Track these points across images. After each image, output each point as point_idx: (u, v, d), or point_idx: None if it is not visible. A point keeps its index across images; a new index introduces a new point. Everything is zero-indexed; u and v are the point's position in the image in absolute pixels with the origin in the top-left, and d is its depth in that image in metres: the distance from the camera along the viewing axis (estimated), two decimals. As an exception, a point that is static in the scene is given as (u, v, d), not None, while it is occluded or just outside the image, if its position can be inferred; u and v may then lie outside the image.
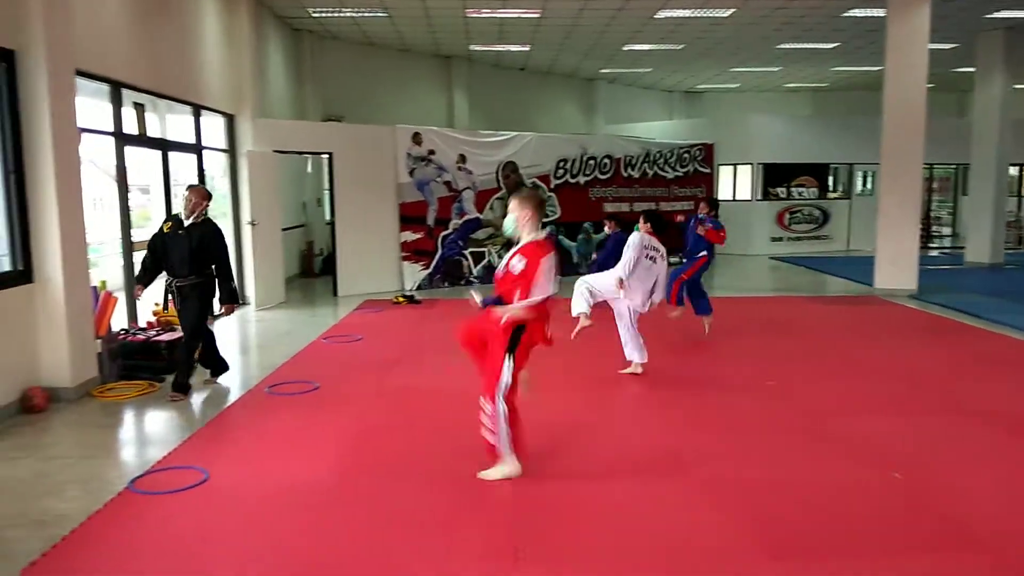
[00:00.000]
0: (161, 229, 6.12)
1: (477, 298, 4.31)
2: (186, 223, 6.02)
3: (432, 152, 12.02)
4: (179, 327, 6.48)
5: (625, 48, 16.29)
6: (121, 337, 6.80)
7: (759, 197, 17.60)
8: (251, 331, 9.17)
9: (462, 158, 12.36)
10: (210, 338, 6.45)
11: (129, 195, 7.73)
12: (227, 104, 10.10)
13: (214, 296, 6.32)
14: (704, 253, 8.49)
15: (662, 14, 13.18)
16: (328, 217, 12.89)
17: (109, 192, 7.91)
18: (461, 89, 17.83)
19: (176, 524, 3.80)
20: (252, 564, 3.37)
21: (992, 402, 5.92)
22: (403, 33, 14.84)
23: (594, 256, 11.76)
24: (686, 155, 15.77)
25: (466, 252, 12.66)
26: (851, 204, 18.43)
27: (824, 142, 18.00)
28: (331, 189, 11.60)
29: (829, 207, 18.29)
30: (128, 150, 7.57)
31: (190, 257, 5.98)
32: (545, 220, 13.78)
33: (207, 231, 6.08)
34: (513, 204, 4.28)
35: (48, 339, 5.86)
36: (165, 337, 6.92)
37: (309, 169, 14.40)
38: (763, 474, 4.42)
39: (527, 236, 4.24)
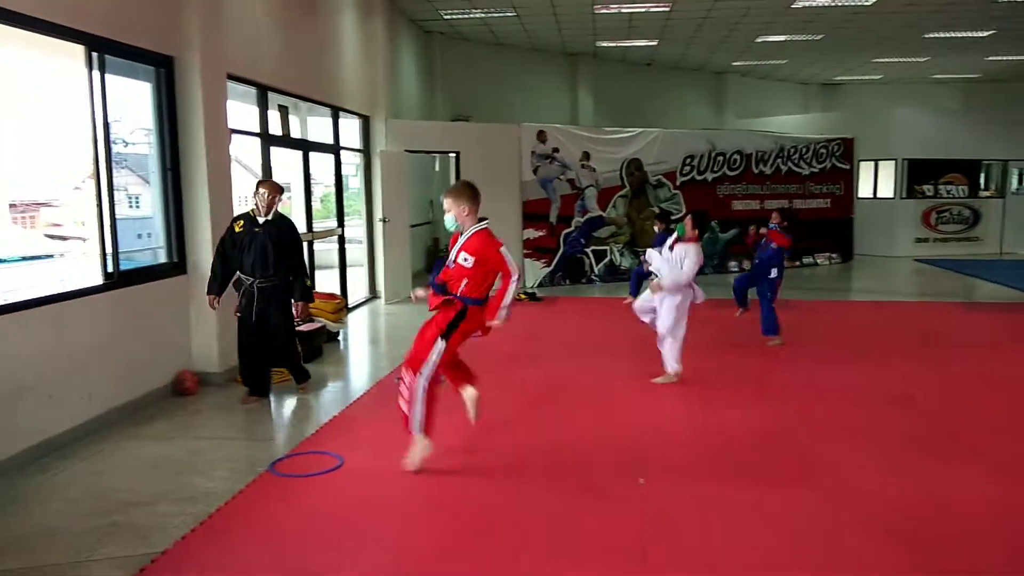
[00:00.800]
0: (232, 229, 5.75)
1: (420, 293, 4.47)
2: (260, 220, 5.71)
3: (556, 150, 12.05)
4: (273, 329, 5.89)
5: (759, 40, 15.71)
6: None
7: (903, 195, 16.54)
8: (380, 324, 9.51)
9: (586, 155, 12.32)
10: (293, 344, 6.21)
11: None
12: (363, 106, 10.51)
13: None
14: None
15: (799, 3, 12.62)
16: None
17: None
18: (586, 86, 17.76)
19: (314, 506, 3.99)
20: (384, 548, 3.49)
21: None
22: (530, 32, 14.94)
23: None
24: (823, 150, 15.03)
25: (588, 250, 12.61)
26: (1005, 203, 17.04)
27: (975, 137, 16.69)
28: (458, 187, 11.81)
29: (980, 206, 16.97)
30: (273, 150, 8.01)
31: (273, 255, 5.68)
32: (674, 218, 13.51)
33: (284, 227, 5.80)
34: (448, 202, 4.32)
35: (199, 327, 6.28)
36: (305, 328, 7.27)
37: (436, 167, 14.76)
38: (901, 488, 4.16)
39: (470, 229, 4.29)
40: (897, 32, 14.94)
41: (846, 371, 6.77)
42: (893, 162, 16.45)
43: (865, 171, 16.57)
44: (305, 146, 9.09)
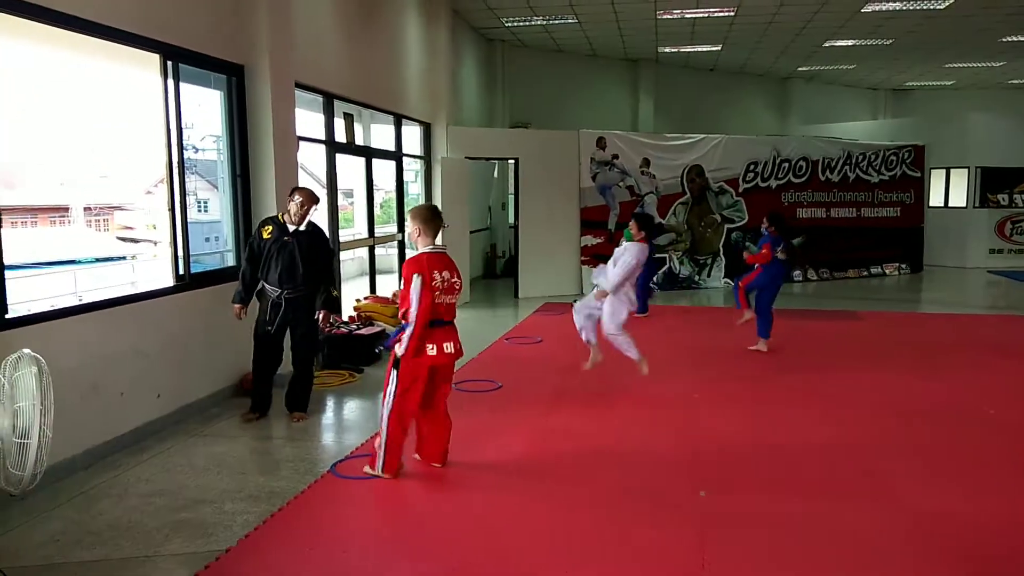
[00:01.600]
0: (259, 235, 5.42)
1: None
2: (291, 228, 5.38)
3: (616, 156, 11.97)
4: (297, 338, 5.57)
5: (826, 44, 15.35)
6: (327, 330, 7.31)
7: (976, 204, 15.91)
8: (439, 329, 9.55)
9: (646, 162, 12.21)
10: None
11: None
12: (424, 113, 10.62)
13: None
14: (758, 266, 7.79)
15: (869, 7, 12.29)
16: (511, 220, 13.20)
17: (319, 196, 8.54)
18: (647, 92, 17.62)
19: (373, 509, 4.02)
20: (440, 552, 3.49)
21: None
22: (592, 38, 14.90)
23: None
24: (893, 157, 14.57)
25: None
26: (1087, 213, 16.24)
27: (1057, 144, 15.95)
28: (516, 193, 11.87)
29: (1060, 217, 16.21)
30: (338, 157, 8.15)
31: (301, 266, 5.37)
32: (731, 226, 13.28)
33: (316, 236, 5.50)
34: (407, 219, 4.34)
35: (264, 329, 6.41)
36: (366, 331, 7.37)
37: (495, 174, 14.82)
38: (970, 507, 3.99)
39: (420, 248, 4.29)
40: (972, 36, 14.43)
41: (915, 385, 6.53)
42: (966, 170, 15.85)
43: (936, 179, 16.00)
44: (368, 153, 9.23)
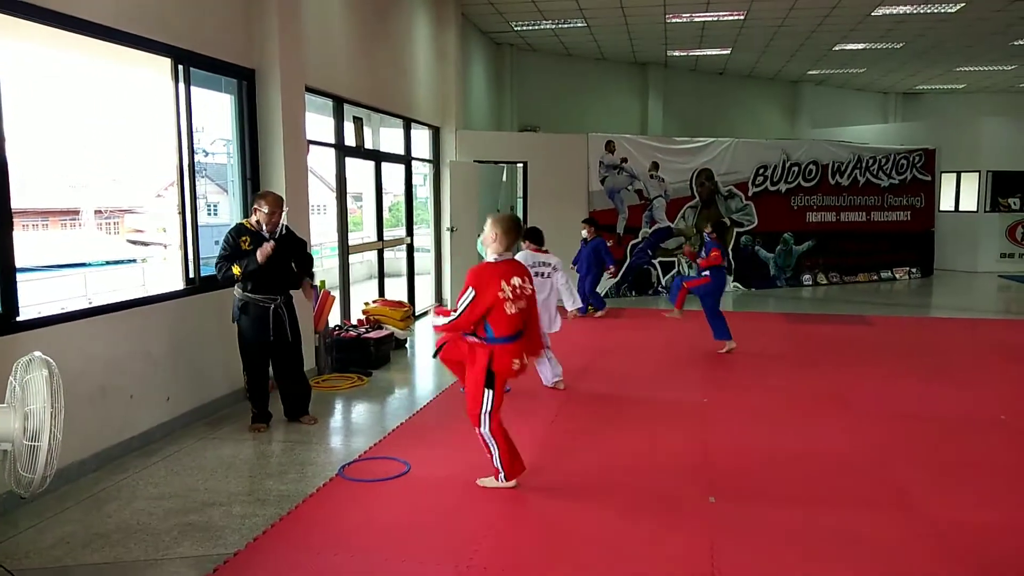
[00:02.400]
0: (238, 246, 5.18)
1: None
2: (267, 236, 5.21)
3: (624, 160, 11.96)
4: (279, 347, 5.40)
5: (836, 48, 15.30)
6: (336, 333, 7.33)
7: (987, 208, 15.82)
8: (447, 332, 9.55)
9: (655, 166, 12.19)
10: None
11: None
12: (433, 117, 10.64)
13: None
14: (707, 273, 8.00)
15: (880, 11, 12.24)
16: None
17: (328, 199, 8.56)
18: (656, 95, 17.60)
19: (381, 511, 4.02)
20: (449, 556, 3.48)
21: None
22: (600, 42, 14.89)
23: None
24: (903, 161, 14.50)
25: (655, 261, 12.45)
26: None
27: (1066, 148, 15.84)
28: (524, 197, 11.86)
29: (1072, 221, 16.09)
30: (347, 161, 8.16)
31: (289, 271, 5.38)
32: (740, 230, 13.24)
33: (294, 239, 5.41)
34: (487, 224, 4.23)
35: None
36: (374, 335, 7.38)
37: (504, 177, 14.82)
38: (991, 516, 3.94)
39: (489, 255, 4.21)
40: (983, 39, 14.35)
41: (925, 390, 6.48)
42: (977, 174, 15.77)
43: (947, 183, 15.92)
44: (378, 157, 9.24)
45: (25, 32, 4.24)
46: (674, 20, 12.96)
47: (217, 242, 7.22)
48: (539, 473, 4.57)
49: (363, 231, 11.18)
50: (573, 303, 6.40)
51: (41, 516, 3.91)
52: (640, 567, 3.41)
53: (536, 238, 6.48)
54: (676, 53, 16.00)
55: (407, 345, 8.31)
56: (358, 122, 8.52)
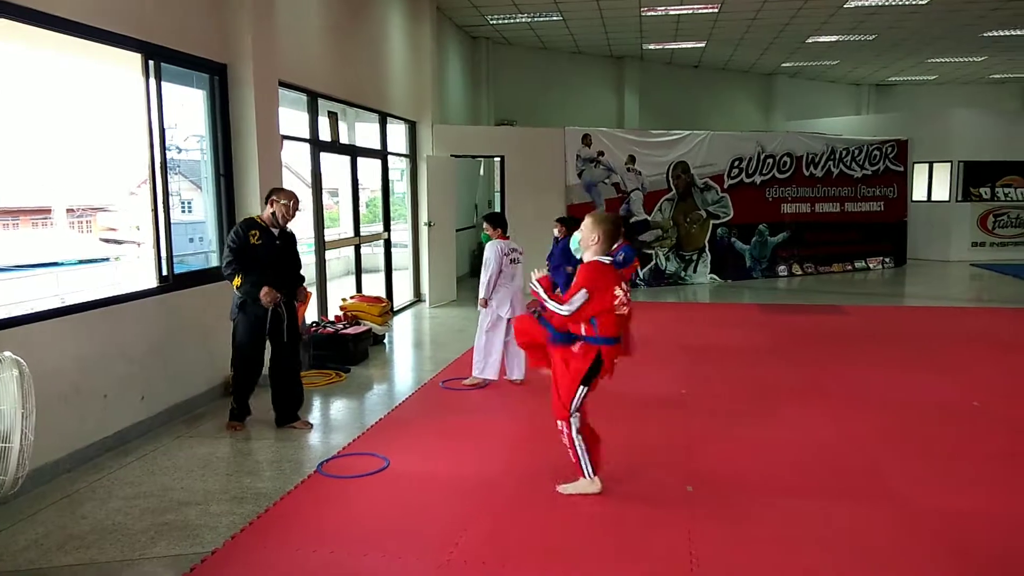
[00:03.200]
0: (247, 239, 5.06)
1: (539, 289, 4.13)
2: (274, 231, 5.18)
3: (601, 153, 11.99)
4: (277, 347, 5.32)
5: (809, 40, 15.43)
6: (313, 329, 7.29)
7: (959, 198, 16.07)
8: (425, 327, 9.55)
9: (631, 159, 12.24)
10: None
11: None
12: (410, 111, 10.59)
13: None
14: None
15: (852, 3, 12.36)
16: (499, 218, 13.19)
17: (303, 195, 8.49)
18: (632, 89, 17.66)
19: (360, 507, 4.01)
20: (429, 551, 3.48)
21: None
22: (576, 35, 14.90)
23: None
24: (876, 152, 14.67)
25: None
26: (1067, 206, 16.44)
27: (1035, 138, 16.13)
28: (502, 191, 11.86)
29: (1040, 209, 16.39)
30: (322, 156, 8.11)
31: (291, 271, 5.33)
32: (716, 222, 13.38)
33: (292, 238, 5.38)
34: (585, 223, 4.14)
35: (249, 329, 6.37)
36: (352, 331, 7.35)
37: (481, 172, 14.81)
38: (966, 503, 4.01)
39: (588, 257, 4.11)
40: (954, 31, 14.54)
41: (900, 378, 6.58)
42: (949, 164, 16.00)
43: (919, 173, 16.14)
44: (353, 151, 9.19)
45: (-10, 28, 4.17)
46: (649, 13, 13.00)
47: (192, 239, 7.16)
48: (516, 466, 4.58)
49: (340, 227, 11.13)
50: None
51: (14, 518, 3.86)
52: (619, 556, 3.44)
53: (505, 226, 6.44)
54: (652, 46, 16.06)
55: (385, 341, 8.29)
56: (333, 117, 8.46)
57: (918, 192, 16.12)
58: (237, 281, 5.06)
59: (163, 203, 5.51)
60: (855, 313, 10.04)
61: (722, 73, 19.17)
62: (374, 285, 10.08)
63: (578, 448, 4.10)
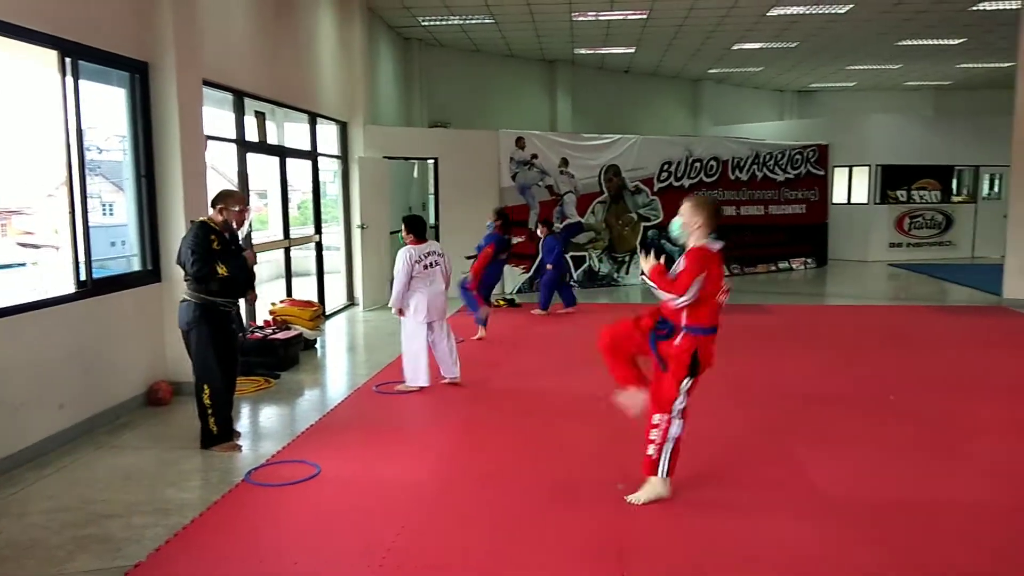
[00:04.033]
0: (209, 244, 4.78)
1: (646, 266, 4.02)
2: (227, 236, 4.94)
3: (535, 156, 12.08)
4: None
5: (735, 47, 15.88)
6: (241, 336, 7.12)
7: (877, 200, 16.77)
8: (359, 331, 9.46)
9: (564, 162, 12.36)
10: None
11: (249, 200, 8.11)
12: (340, 112, 10.47)
13: None
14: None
15: (775, 11, 12.76)
16: (432, 221, 13.15)
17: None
18: (565, 93, 17.84)
19: (290, 516, 3.95)
20: (362, 556, 3.46)
21: None
22: (508, 38, 14.97)
23: None
24: (798, 156, 15.19)
25: (566, 256, 12.62)
26: (976, 208, 17.31)
27: (947, 143, 16.96)
28: (436, 193, 11.84)
29: (952, 211, 17.23)
30: (249, 156, 7.95)
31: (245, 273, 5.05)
32: (647, 224, 13.60)
33: (238, 239, 5.16)
34: (685, 207, 4.06)
35: (174, 335, 6.17)
36: (282, 335, 7.22)
37: (415, 174, 14.73)
38: (891, 494, 4.19)
39: (693, 242, 4.03)
40: (870, 40, 15.17)
41: (820, 373, 6.84)
42: (867, 168, 16.67)
43: (840, 177, 16.77)
44: (282, 152, 9.03)
45: None
46: (580, 19, 13.16)
47: (114, 243, 6.91)
48: (451, 469, 4.59)
49: (269, 229, 10.91)
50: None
51: (-80, 537, 3.68)
52: (549, 554, 3.48)
53: (421, 230, 6.37)
54: (583, 51, 16.26)
55: (317, 346, 8.17)
56: (260, 117, 8.30)
57: (838, 195, 16.74)
58: (223, 269, 4.76)
59: (81, 205, 5.31)
60: (778, 312, 10.37)
61: (651, 78, 19.55)
62: (305, 289, 9.92)
63: (668, 444, 4.02)
